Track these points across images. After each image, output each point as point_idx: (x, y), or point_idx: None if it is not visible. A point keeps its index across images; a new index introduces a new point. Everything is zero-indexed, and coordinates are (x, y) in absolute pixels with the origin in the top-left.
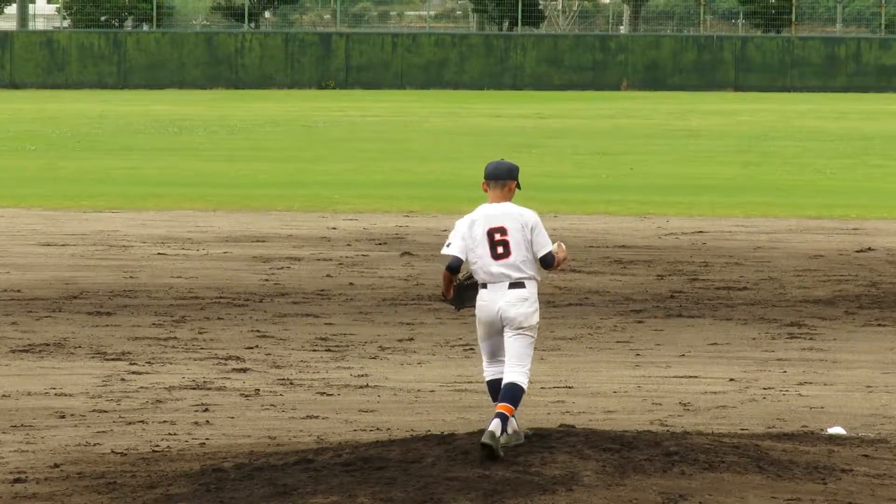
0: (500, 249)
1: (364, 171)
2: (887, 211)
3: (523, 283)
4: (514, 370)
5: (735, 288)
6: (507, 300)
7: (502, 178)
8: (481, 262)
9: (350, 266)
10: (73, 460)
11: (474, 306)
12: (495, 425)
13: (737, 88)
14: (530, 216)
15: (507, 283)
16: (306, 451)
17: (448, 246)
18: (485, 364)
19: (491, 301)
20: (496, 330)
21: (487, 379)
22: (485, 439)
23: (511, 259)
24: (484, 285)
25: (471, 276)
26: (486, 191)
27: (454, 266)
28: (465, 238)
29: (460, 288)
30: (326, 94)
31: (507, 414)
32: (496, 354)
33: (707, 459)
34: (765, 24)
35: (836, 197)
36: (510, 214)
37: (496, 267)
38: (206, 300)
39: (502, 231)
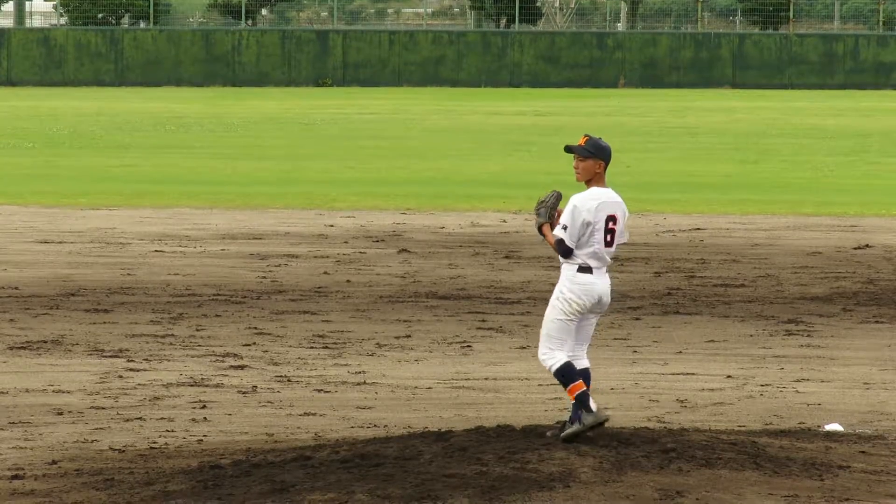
0: (608, 238)
1: (361, 169)
2: (885, 208)
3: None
4: (585, 354)
5: (732, 285)
6: (608, 284)
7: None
8: (596, 247)
9: (347, 263)
10: (70, 457)
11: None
12: (595, 405)
13: (734, 86)
14: (625, 206)
15: (605, 269)
16: (304, 448)
17: (565, 230)
18: (563, 350)
19: (597, 285)
20: (588, 313)
21: (566, 361)
22: (596, 420)
23: (612, 248)
24: (589, 269)
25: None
26: (586, 171)
27: (566, 255)
28: (580, 227)
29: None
30: (323, 91)
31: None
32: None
33: (704, 456)
34: (762, 21)
35: (833, 194)
36: (619, 204)
37: (606, 253)
38: (204, 297)
39: (614, 220)
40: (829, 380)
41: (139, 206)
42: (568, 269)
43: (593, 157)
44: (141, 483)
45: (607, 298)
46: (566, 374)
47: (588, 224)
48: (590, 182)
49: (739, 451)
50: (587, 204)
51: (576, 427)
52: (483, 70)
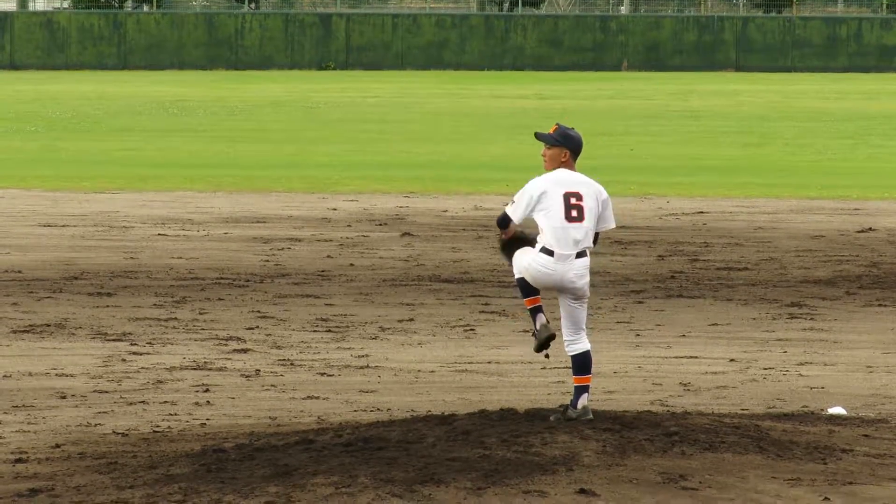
0: (574, 213)
1: (364, 152)
2: (888, 191)
3: (586, 252)
4: (580, 338)
5: (736, 268)
6: (575, 271)
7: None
8: (556, 222)
9: (350, 247)
10: (74, 440)
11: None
12: (584, 399)
13: (738, 69)
14: (604, 190)
15: (576, 253)
16: (307, 432)
17: (512, 204)
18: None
19: (557, 271)
20: (549, 292)
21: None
22: (544, 333)
23: (584, 224)
24: (550, 252)
25: (523, 232)
26: (551, 158)
27: (504, 226)
28: (530, 204)
29: (515, 239)
30: (327, 75)
31: (587, 385)
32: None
33: (707, 440)
34: (766, 4)
35: (837, 177)
36: (587, 184)
37: (571, 232)
38: (207, 281)
39: (578, 197)
40: (832, 363)
41: (142, 190)
42: (536, 246)
43: (559, 146)
44: (144, 466)
45: (572, 285)
46: (523, 287)
47: (539, 196)
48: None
49: (742, 434)
50: (538, 181)
51: (542, 335)
52: (486, 53)
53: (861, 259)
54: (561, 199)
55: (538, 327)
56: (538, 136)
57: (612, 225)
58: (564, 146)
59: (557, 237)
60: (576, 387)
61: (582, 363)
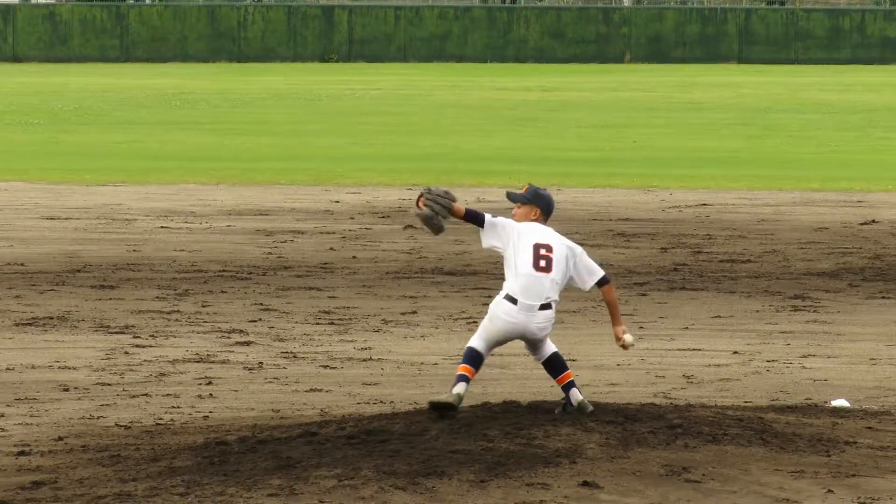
0: (542, 263)
1: (367, 145)
2: (891, 183)
3: (551, 304)
4: (543, 348)
5: (739, 260)
6: (538, 323)
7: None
8: (522, 269)
9: (353, 239)
10: (76, 433)
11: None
12: (576, 394)
13: (741, 61)
14: (577, 246)
15: (539, 305)
16: (310, 425)
17: (493, 216)
18: (480, 343)
19: (520, 322)
20: (509, 340)
21: (473, 347)
22: (444, 400)
23: (551, 275)
24: (514, 300)
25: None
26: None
27: (479, 220)
28: (503, 234)
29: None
30: (329, 67)
31: (572, 379)
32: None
33: (710, 432)
34: None
35: (840, 169)
36: (558, 238)
37: (539, 283)
38: (210, 273)
39: (548, 248)
40: (835, 355)
41: (145, 183)
42: (500, 293)
43: (528, 204)
44: (147, 459)
45: (533, 336)
46: (466, 355)
47: (513, 233)
48: None
49: (746, 426)
50: (516, 223)
51: (442, 397)
52: (489, 45)
53: (864, 251)
54: (531, 248)
55: (453, 392)
56: (509, 195)
57: (600, 272)
58: (535, 205)
59: (522, 285)
60: (562, 387)
61: (554, 365)
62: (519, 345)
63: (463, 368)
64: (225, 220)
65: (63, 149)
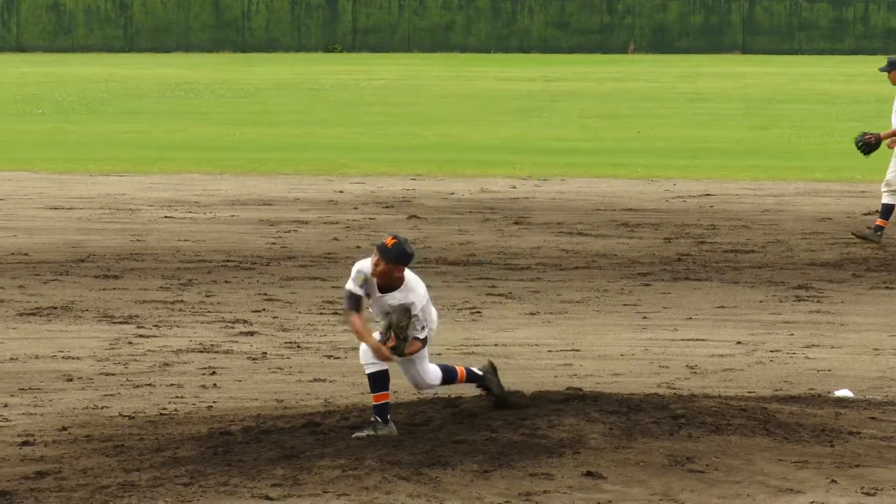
0: None
1: (371, 135)
2: None
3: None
4: (430, 376)
5: (742, 251)
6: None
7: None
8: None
9: (357, 229)
10: (80, 423)
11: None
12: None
13: (744, 51)
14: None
15: None
16: (314, 415)
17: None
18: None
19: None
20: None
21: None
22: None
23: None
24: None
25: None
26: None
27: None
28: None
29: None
30: (333, 57)
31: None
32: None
33: (714, 422)
34: None
35: (843, 160)
36: (405, 297)
37: None
38: (214, 263)
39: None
40: (839, 346)
41: (148, 173)
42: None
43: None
44: (151, 449)
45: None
46: (376, 380)
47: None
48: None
49: (749, 417)
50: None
51: (367, 431)
52: (493, 36)
53: (868, 242)
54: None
55: (389, 427)
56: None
57: (430, 329)
58: (395, 262)
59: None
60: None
61: (447, 380)
62: (522, 336)
63: (381, 398)
64: (229, 209)
65: (67, 139)
